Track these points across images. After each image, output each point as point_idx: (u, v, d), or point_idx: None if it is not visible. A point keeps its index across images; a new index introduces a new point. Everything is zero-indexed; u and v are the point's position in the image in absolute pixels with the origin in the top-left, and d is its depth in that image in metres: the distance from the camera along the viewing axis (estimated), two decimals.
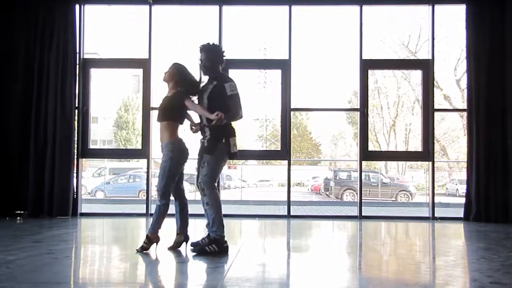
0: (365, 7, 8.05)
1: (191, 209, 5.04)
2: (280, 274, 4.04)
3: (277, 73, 8.30)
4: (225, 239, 4.68)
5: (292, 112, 8.23)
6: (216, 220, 4.61)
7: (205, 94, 4.78)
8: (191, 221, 4.98)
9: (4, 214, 7.57)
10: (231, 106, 4.70)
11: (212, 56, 4.83)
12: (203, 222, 4.88)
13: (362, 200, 8.22)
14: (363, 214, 8.10)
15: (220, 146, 4.67)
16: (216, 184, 4.77)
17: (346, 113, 34.71)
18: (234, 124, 4.88)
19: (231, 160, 4.96)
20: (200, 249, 4.66)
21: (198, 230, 6.19)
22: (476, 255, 4.93)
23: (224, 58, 4.94)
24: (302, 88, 28.09)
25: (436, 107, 8.15)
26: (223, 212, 4.71)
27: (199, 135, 4.87)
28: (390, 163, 30.37)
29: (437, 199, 8.37)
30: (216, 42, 4.96)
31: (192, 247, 4.83)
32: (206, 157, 4.69)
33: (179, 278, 3.92)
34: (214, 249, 4.59)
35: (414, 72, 23.60)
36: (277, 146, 28.36)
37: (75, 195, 7.87)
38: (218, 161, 4.71)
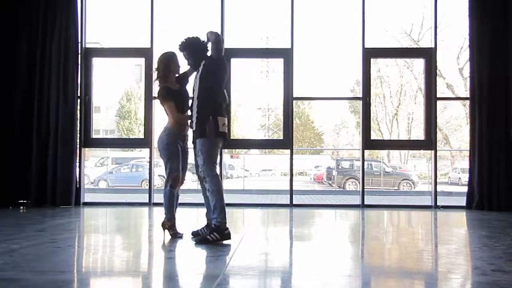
0: None
1: (194, 199, 5.05)
2: (282, 262, 4.05)
3: (279, 62, 8.28)
4: (227, 225, 4.66)
5: (294, 101, 8.22)
6: (217, 206, 4.57)
7: (197, 76, 4.75)
8: (193, 210, 4.99)
9: (7, 203, 7.60)
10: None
11: (191, 50, 4.80)
12: (204, 211, 4.90)
13: (365, 189, 8.22)
14: (365, 203, 8.11)
15: (208, 126, 4.58)
16: (217, 169, 4.71)
17: (348, 102, 34.64)
18: (237, 114, 4.86)
19: (232, 150, 4.93)
20: (202, 239, 4.66)
21: (200, 220, 6.21)
22: (478, 243, 4.94)
23: (206, 45, 4.82)
24: (305, 77, 28.12)
25: (438, 95, 8.14)
26: (226, 201, 4.70)
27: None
28: (393, 152, 30.37)
29: (439, 188, 8.39)
30: (193, 35, 4.87)
31: (192, 236, 4.84)
32: (198, 143, 4.64)
33: (181, 267, 3.93)
34: (216, 237, 4.56)
35: (417, 61, 23.50)
36: (279, 135, 28.40)
37: (77, 185, 7.89)
38: (210, 144, 4.62)
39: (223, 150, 7.92)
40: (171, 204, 4.84)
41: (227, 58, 7.92)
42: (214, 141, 4.65)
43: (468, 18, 7.84)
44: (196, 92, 4.72)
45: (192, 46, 4.80)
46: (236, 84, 8.67)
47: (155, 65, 5.01)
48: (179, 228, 4.91)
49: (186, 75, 5.06)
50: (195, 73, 4.88)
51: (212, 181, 4.59)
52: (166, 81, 4.86)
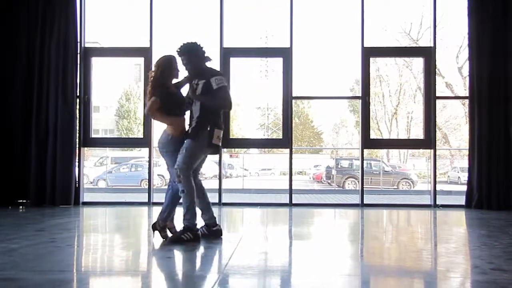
0: None
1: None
2: (282, 261, 4.06)
3: (278, 61, 8.28)
4: (197, 227, 4.70)
5: (293, 101, 8.21)
6: (190, 208, 4.60)
7: (198, 91, 4.75)
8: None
9: (6, 203, 7.60)
10: (219, 99, 4.68)
11: (191, 56, 4.77)
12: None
13: (364, 188, 8.21)
14: (365, 202, 8.11)
15: (203, 134, 4.64)
16: (192, 173, 4.67)
17: (348, 101, 34.63)
18: (236, 114, 4.90)
19: (231, 149, 5.00)
20: (176, 238, 4.65)
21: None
22: (477, 242, 4.94)
23: (204, 51, 4.84)
24: (304, 76, 28.08)
25: (438, 94, 8.13)
26: (225, 200, 4.75)
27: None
28: (392, 151, 30.40)
29: (438, 187, 8.39)
30: (192, 40, 4.87)
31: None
32: (187, 143, 4.64)
33: (181, 266, 3.94)
34: (189, 236, 4.58)
35: (416, 60, 23.51)
36: (278, 134, 28.38)
37: (77, 184, 7.88)
38: (197, 148, 4.65)
39: (222, 149, 7.92)
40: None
41: (226, 58, 7.96)
42: (204, 148, 4.70)
43: (467, 17, 7.83)
44: (198, 103, 4.74)
45: (191, 52, 4.78)
46: (235, 83, 8.68)
47: (153, 67, 4.96)
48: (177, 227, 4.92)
49: (180, 84, 4.97)
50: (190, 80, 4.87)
51: (186, 183, 4.58)
52: (165, 84, 4.82)
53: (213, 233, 4.79)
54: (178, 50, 4.80)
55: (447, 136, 28.08)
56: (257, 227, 6.28)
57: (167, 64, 4.81)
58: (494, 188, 7.58)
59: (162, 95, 4.69)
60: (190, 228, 4.61)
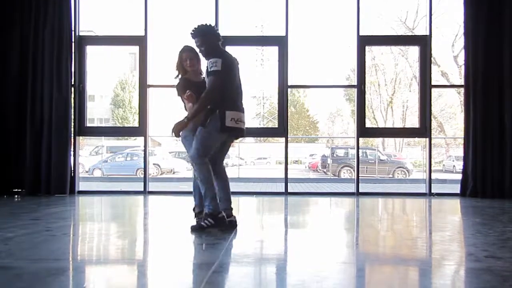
0: None
1: (189, 187, 5.04)
2: (277, 250, 4.06)
3: (274, 50, 8.26)
4: (233, 213, 4.74)
5: (289, 90, 8.21)
6: (208, 194, 4.49)
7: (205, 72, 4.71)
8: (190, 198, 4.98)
9: (1, 192, 7.60)
10: (207, 84, 4.51)
11: (206, 38, 4.66)
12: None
13: (360, 177, 8.25)
14: (360, 191, 8.14)
15: (213, 119, 4.46)
16: (208, 159, 4.55)
17: (343, 90, 34.63)
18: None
19: (238, 137, 4.85)
20: (197, 226, 4.63)
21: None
22: (472, 230, 4.96)
23: (219, 33, 4.78)
24: (300, 65, 28.02)
25: (433, 83, 8.14)
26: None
27: None
28: (387, 140, 30.45)
29: (434, 176, 8.43)
30: (205, 22, 4.81)
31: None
32: (198, 130, 4.52)
33: (177, 254, 3.94)
34: (210, 222, 4.50)
35: (412, 49, 23.51)
36: (274, 123, 28.39)
37: (72, 173, 7.88)
38: (209, 134, 4.49)
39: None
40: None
41: (221, 46, 7.91)
42: (215, 134, 4.52)
43: (463, 5, 7.83)
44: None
45: (205, 34, 4.67)
46: None
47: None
48: (181, 216, 4.93)
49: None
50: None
51: (200, 169, 4.49)
52: (186, 73, 4.80)
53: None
54: (192, 32, 4.70)
55: (442, 125, 28.14)
56: (253, 216, 6.29)
57: (179, 52, 4.80)
58: (488, 177, 7.62)
59: (188, 88, 4.68)
60: (212, 214, 4.51)
